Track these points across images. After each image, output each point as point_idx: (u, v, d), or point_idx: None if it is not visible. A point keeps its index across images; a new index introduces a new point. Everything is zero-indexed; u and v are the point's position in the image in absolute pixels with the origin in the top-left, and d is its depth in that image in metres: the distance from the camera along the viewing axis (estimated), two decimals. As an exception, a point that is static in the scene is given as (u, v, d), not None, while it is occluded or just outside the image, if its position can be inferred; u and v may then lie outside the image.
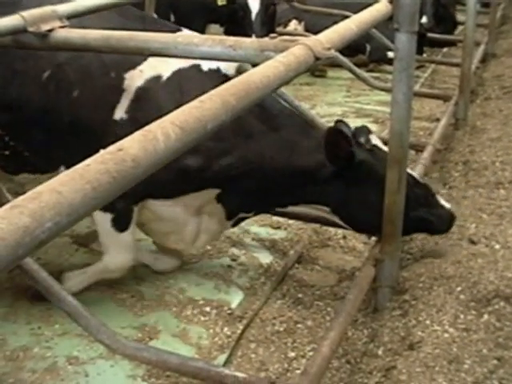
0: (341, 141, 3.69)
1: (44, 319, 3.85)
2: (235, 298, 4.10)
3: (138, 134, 1.41)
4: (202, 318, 3.89)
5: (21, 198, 1.16)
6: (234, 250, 4.62)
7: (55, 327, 3.79)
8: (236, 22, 6.56)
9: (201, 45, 2.40)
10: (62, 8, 2.93)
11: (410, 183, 3.84)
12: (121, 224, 3.82)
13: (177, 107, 3.68)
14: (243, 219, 4.17)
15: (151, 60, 3.70)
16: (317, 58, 2.20)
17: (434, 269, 3.94)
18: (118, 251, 3.92)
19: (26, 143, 3.86)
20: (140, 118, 3.64)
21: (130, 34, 2.68)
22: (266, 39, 2.44)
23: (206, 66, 3.76)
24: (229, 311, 3.95)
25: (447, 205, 4.00)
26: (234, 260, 4.52)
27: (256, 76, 1.85)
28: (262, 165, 3.78)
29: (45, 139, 3.81)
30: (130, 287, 4.18)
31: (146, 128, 1.45)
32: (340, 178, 3.79)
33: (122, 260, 3.95)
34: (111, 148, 1.35)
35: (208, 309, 3.97)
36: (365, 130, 3.99)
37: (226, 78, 3.70)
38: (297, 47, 2.17)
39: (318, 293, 4.17)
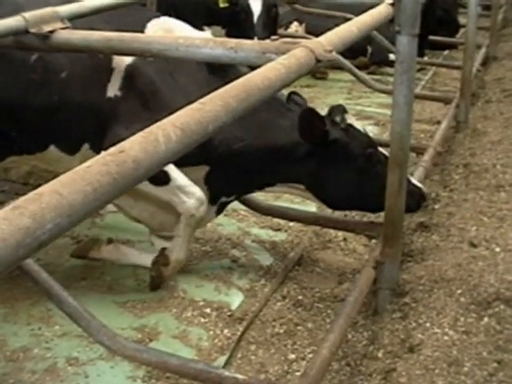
0: (314, 119, 3.83)
1: (44, 320, 3.84)
2: (235, 300, 4.09)
3: (138, 136, 1.41)
4: (202, 320, 3.89)
5: (22, 198, 1.16)
6: (235, 252, 4.62)
7: (55, 328, 3.78)
8: (237, 24, 6.56)
9: (202, 46, 2.41)
10: (64, 9, 2.94)
11: (385, 163, 3.93)
12: (159, 179, 3.82)
13: (169, 79, 3.76)
14: (225, 205, 4.28)
15: None
16: (318, 61, 2.21)
17: (435, 271, 3.94)
18: (181, 196, 3.90)
19: (14, 124, 3.89)
20: (134, 94, 3.82)
21: (131, 35, 2.68)
22: (268, 41, 2.44)
23: None
24: (229, 313, 3.95)
25: (419, 184, 4.16)
26: (234, 262, 4.52)
27: (257, 78, 1.86)
28: (245, 143, 3.91)
29: (33, 119, 3.86)
30: (130, 288, 4.18)
31: (147, 130, 1.45)
32: (315, 156, 3.95)
33: (191, 198, 3.91)
34: (112, 149, 1.35)
35: (208, 310, 3.97)
36: (340, 109, 4.13)
37: None
38: (298, 49, 2.17)
39: (319, 295, 4.17)
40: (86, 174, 1.24)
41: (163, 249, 4.07)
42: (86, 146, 3.96)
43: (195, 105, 1.60)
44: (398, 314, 3.73)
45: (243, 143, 3.90)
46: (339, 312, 3.47)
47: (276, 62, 2.02)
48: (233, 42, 2.40)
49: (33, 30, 2.76)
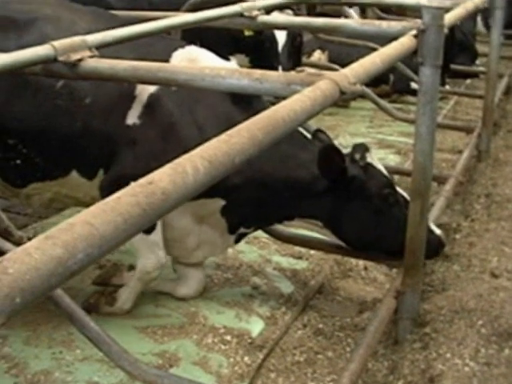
0: (334, 156, 3.83)
1: (65, 344, 3.87)
2: (256, 327, 4.10)
3: (167, 167, 1.44)
4: (223, 347, 3.90)
5: (54, 228, 1.19)
6: (256, 279, 4.63)
7: (76, 352, 3.81)
8: (262, 53, 6.60)
9: (228, 77, 2.44)
10: (92, 38, 2.98)
11: (402, 204, 3.99)
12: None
13: (187, 113, 3.78)
14: (244, 235, 4.31)
15: None
16: (342, 93, 2.23)
17: (456, 302, 3.94)
18: (150, 251, 4.00)
19: (39, 149, 3.95)
20: (152, 123, 3.84)
21: (158, 65, 2.72)
22: (293, 73, 2.47)
23: None
24: (249, 340, 3.95)
25: (437, 230, 4.09)
26: (255, 289, 4.52)
27: (283, 110, 1.88)
28: (263, 176, 3.91)
29: (58, 144, 3.92)
30: (151, 314, 4.20)
31: (176, 161, 1.48)
32: (332, 192, 3.94)
33: (155, 259, 4.01)
34: (142, 181, 1.38)
35: (229, 337, 3.97)
36: (362, 148, 4.12)
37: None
38: (323, 81, 2.20)
39: (339, 323, 4.16)
40: (116, 205, 1.27)
41: (115, 290, 4.18)
42: (101, 172, 4.00)
43: (222, 137, 1.63)
44: (419, 344, 3.73)
45: (261, 176, 3.91)
46: (360, 341, 3.47)
47: (301, 94, 2.04)
48: (258, 72, 2.43)
49: (61, 58, 2.80)
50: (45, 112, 3.86)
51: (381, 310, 3.71)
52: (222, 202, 4.00)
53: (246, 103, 3.89)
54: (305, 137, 4.13)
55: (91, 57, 2.87)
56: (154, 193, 1.33)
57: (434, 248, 4.04)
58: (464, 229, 5.20)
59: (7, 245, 3.40)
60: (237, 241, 4.31)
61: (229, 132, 1.67)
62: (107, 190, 3.92)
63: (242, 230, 4.23)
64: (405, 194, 4.09)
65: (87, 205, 4.35)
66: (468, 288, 4.09)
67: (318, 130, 4.42)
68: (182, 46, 4.06)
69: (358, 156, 4.00)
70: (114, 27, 3.25)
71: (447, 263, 4.62)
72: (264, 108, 3.57)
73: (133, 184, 1.37)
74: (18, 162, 3.97)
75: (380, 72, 2.81)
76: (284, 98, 2.10)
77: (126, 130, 3.86)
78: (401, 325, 3.85)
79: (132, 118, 3.85)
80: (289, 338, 4.01)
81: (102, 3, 6.14)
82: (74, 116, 3.85)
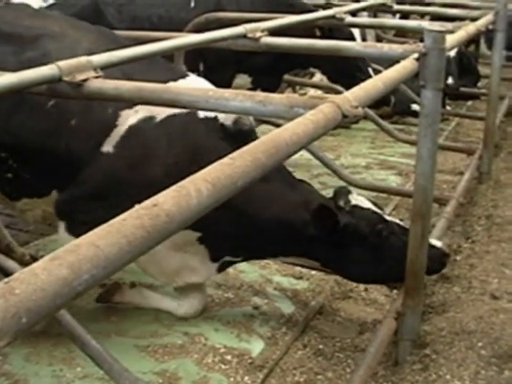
0: (327, 215, 3.86)
1: (66, 361, 3.88)
2: (256, 347, 4.10)
3: (171, 190, 1.46)
4: (223, 366, 3.90)
5: (60, 250, 1.21)
6: (256, 299, 4.63)
7: (77, 370, 3.81)
8: (265, 73, 6.64)
9: (231, 99, 2.46)
10: (97, 58, 3.01)
11: (398, 233, 4.01)
12: None
13: (163, 150, 3.78)
14: (231, 263, 4.28)
15: None
16: (345, 116, 2.26)
17: (456, 323, 3.95)
18: (193, 300, 4.31)
19: (27, 166, 3.98)
20: (125, 155, 3.82)
21: (163, 86, 2.75)
22: (296, 96, 2.50)
23: (203, 113, 3.86)
24: (250, 360, 3.95)
25: (438, 243, 4.10)
26: (256, 309, 4.53)
27: (286, 133, 1.91)
28: (247, 213, 3.88)
29: (41, 164, 3.93)
30: (152, 333, 4.20)
31: (179, 184, 1.50)
32: (326, 239, 3.94)
33: (192, 308, 4.37)
34: (146, 203, 1.40)
35: (229, 357, 3.98)
36: (344, 192, 4.16)
37: (222, 128, 3.87)
38: (325, 105, 2.22)
39: (339, 344, 4.17)
40: (121, 226, 1.29)
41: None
42: None
43: (226, 160, 1.66)
44: (419, 366, 3.74)
45: (238, 212, 3.85)
46: (360, 362, 3.48)
47: (304, 118, 2.07)
48: (261, 95, 2.46)
49: (66, 79, 2.82)
50: (33, 129, 3.88)
51: (381, 331, 3.72)
52: (197, 234, 3.99)
53: (235, 139, 3.79)
54: (295, 179, 4.14)
55: (96, 77, 2.89)
56: (158, 215, 1.36)
57: (439, 261, 4.04)
58: (464, 250, 5.21)
59: (10, 263, 3.42)
60: (222, 269, 4.27)
61: (232, 155, 1.69)
62: (60, 209, 3.98)
63: (228, 258, 4.20)
64: (397, 221, 4.12)
65: None
66: (468, 310, 4.10)
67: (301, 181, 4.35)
68: (174, 79, 4.02)
69: (342, 202, 4.02)
70: (117, 47, 3.28)
71: (447, 285, 4.63)
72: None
73: (137, 206, 1.39)
74: (10, 175, 4.01)
75: (382, 95, 2.84)
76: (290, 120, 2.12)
77: (99, 156, 3.84)
78: (401, 346, 3.86)
79: (107, 146, 3.83)
80: (289, 358, 4.02)
81: (103, 23, 6.20)
82: (59, 136, 3.86)
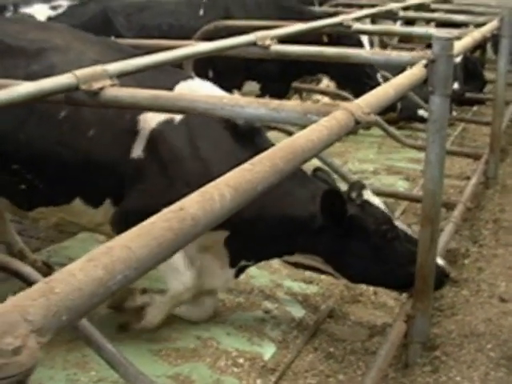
0: (336, 201, 3.90)
1: (80, 366, 3.93)
2: (268, 351, 4.16)
3: (196, 195, 1.52)
4: (236, 370, 3.95)
5: (94, 251, 1.27)
6: (267, 304, 4.69)
7: (91, 374, 3.87)
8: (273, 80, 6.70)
9: (246, 106, 2.52)
10: (112, 67, 3.07)
11: (402, 239, 4.02)
12: None
13: (190, 149, 3.84)
14: (244, 268, 4.34)
15: None
16: (357, 122, 2.31)
17: (465, 326, 4.00)
18: (176, 274, 4.07)
19: (42, 177, 4.04)
20: (155, 158, 3.91)
21: (178, 94, 2.82)
22: (309, 103, 2.56)
23: None
24: (262, 363, 4.01)
25: (440, 262, 4.09)
26: (266, 313, 4.58)
27: (302, 140, 1.97)
28: (265, 210, 3.92)
29: (60, 173, 4.00)
30: (165, 338, 4.25)
31: (203, 189, 1.56)
32: (330, 230, 3.98)
33: (183, 281, 4.09)
34: (173, 207, 1.46)
35: (241, 360, 4.03)
36: (358, 185, 4.18)
37: (235, 126, 3.95)
38: (339, 112, 2.28)
39: (350, 347, 4.22)
40: (151, 229, 1.35)
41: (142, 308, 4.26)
42: (108, 201, 4.08)
43: (246, 165, 1.72)
44: (429, 368, 3.79)
45: (263, 210, 3.92)
46: (371, 364, 3.53)
47: (318, 124, 2.13)
48: (275, 102, 2.52)
49: (83, 87, 2.88)
50: (47, 141, 3.94)
51: (391, 333, 3.76)
52: (227, 233, 4.06)
53: (249, 141, 3.97)
54: (304, 174, 4.18)
55: (112, 85, 2.95)
56: (184, 218, 1.42)
57: (438, 280, 4.01)
58: (472, 254, 5.26)
59: (27, 268, 3.47)
60: (237, 275, 4.34)
61: (251, 161, 1.75)
62: (118, 226, 4.04)
63: (243, 262, 4.28)
64: (405, 228, 4.12)
65: (92, 230, 4.45)
66: (477, 312, 4.15)
67: (318, 169, 4.49)
68: (184, 79, 4.12)
69: (354, 194, 4.06)
70: (123, 57, 3.32)
71: (456, 288, 4.68)
72: (267, 145, 3.68)
73: (165, 210, 1.45)
74: (23, 186, 4.06)
75: (393, 101, 2.90)
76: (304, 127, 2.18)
77: (131, 163, 3.94)
78: (411, 348, 3.90)
79: (136, 151, 3.93)
80: (300, 361, 4.07)
81: (112, 31, 6.26)
82: (76, 147, 3.93)
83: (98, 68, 3.00)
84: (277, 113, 2.46)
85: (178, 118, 3.93)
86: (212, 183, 1.60)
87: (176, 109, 2.81)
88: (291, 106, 2.49)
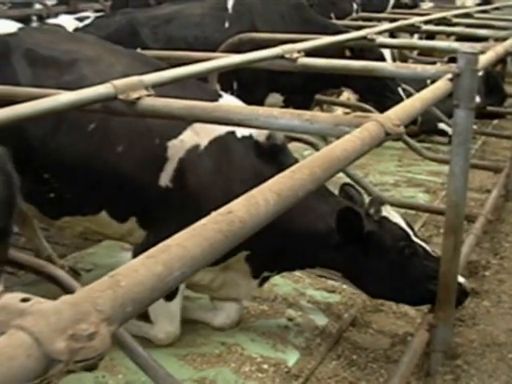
0: (352, 218, 3.93)
1: (108, 369, 4.02)
2: (292, 357, 4.23)
3: (242, 199, 1.61)
4: (260, 375, 4.03)
5: (153, 249, 1.37)
6: (291, 312, 4.76)
7: (119, 377, 3.96)
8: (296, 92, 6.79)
9: (280, 117, 2.61)
10: (148, 78, 3.16)
11: (421, 256, 4.03)
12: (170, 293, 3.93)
13: (214, 173, 3.88)
14: (267, 278, 4.42)
15: (191, 128, 3.97)
16: (387, 134, 2.40)
17: (486, 336, 4.06)
18: (167, 321, 4.22)
19: (70, 187, 4.12)
20: (183, 187, 3.96)
21: (213, 105, 2.91)
22: (341, 114, 2.64)
23: (240, 132, 4.04)
24: (286, 369, 4.08)
25: (461, 279, 4.08)
26: (290, 320, 4.66)
27: (337, 150, 2.06)
28: (284, 227, 3.92)
29: (88, 185, 4.08)
30: (190, 343, 4.34)
31: (249, 194, 1.65)
32: (348, 246, 4.01)
33: (170, 330, 4.25)
34: (222, 210, 1.55)
35: (266, 366, 4.11)
36: (377, 202, 4.22)
37: (256, 144, 4.03)
38: (370, 123, 2.37)
39: (372, 355, 4.28)
40: (202, 231, 1.44)
41: None
42: (133, 219, 4.16)
43: (286, 172, 1.81)
44: (450, 376, 3.85)
45: (282, 227, 3.86)
46: (393, 372, 3.59)
47: (351, 135, 2.21)
48: (309, 114, 2.60)
49: (121, 97, 2.98)
50: (75, 151, 4.01)
51: (414, 342, 3.82)
52: (246, 253, 4.14)
53: (273, 159, 4.02)
54: (326, 189, 4.20)
55: (148, 95, 3.05)
56: (233, 221, 1.51)
57: (458, 297, 4.02)
58: (493, 266, 5.32)
59: (59, 272, 3.57)
60: (260, 284, 4.43)
61: (292, 168, 1.85)
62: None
63: (266, 273, 4.36)
64: (424, 244, 4.13)
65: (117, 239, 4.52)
66: (498, 323, 4.21)
67: (346, 184, 4.53)
68: (212, 95, 4.20)
69: (373, 210, 4.10)
70: (150, 70, 3.39)
71: (477, 299, 4.74)
72: (291, 162, 3.74)
73: (214, 213, 1.55)
74: (52, 195, 4.15)
75: (418, 114, 2.98)
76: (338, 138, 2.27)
77: (159, 190, 4.00)
78: (433, 357, 3.96)
79: (164, 180, 3.99)
80: (323, 368, 4.14)
81: (138, 43, 6.37)
82: (105, 160, 4.00)
83: (135, 78, 3.10)
84: (310, 124, 2.55)
85: (203, 143, 3.99)
86: (256, 189, 1.69)
87: (211, 119, 2.89)
88: (324, 117, 2.58)
